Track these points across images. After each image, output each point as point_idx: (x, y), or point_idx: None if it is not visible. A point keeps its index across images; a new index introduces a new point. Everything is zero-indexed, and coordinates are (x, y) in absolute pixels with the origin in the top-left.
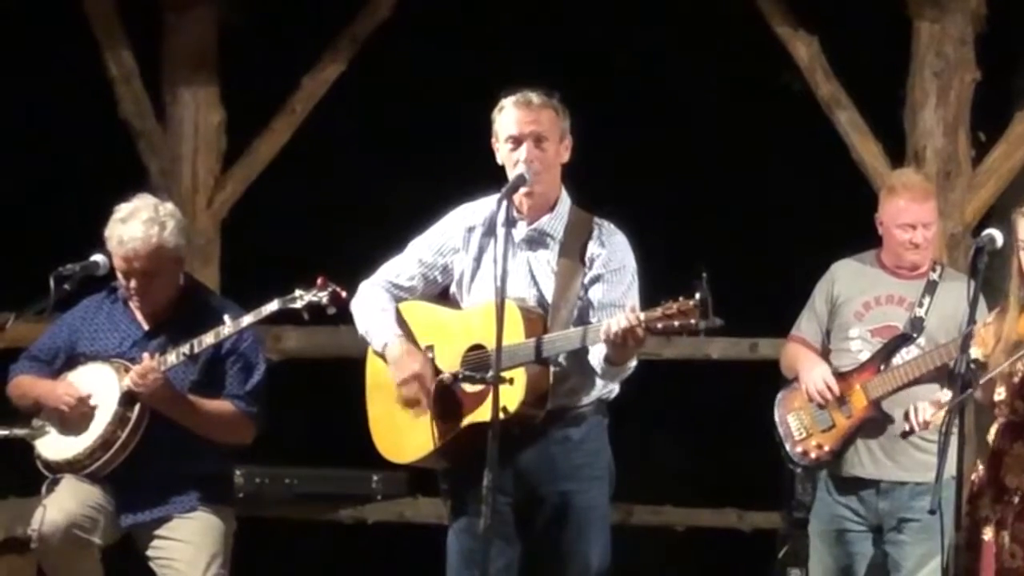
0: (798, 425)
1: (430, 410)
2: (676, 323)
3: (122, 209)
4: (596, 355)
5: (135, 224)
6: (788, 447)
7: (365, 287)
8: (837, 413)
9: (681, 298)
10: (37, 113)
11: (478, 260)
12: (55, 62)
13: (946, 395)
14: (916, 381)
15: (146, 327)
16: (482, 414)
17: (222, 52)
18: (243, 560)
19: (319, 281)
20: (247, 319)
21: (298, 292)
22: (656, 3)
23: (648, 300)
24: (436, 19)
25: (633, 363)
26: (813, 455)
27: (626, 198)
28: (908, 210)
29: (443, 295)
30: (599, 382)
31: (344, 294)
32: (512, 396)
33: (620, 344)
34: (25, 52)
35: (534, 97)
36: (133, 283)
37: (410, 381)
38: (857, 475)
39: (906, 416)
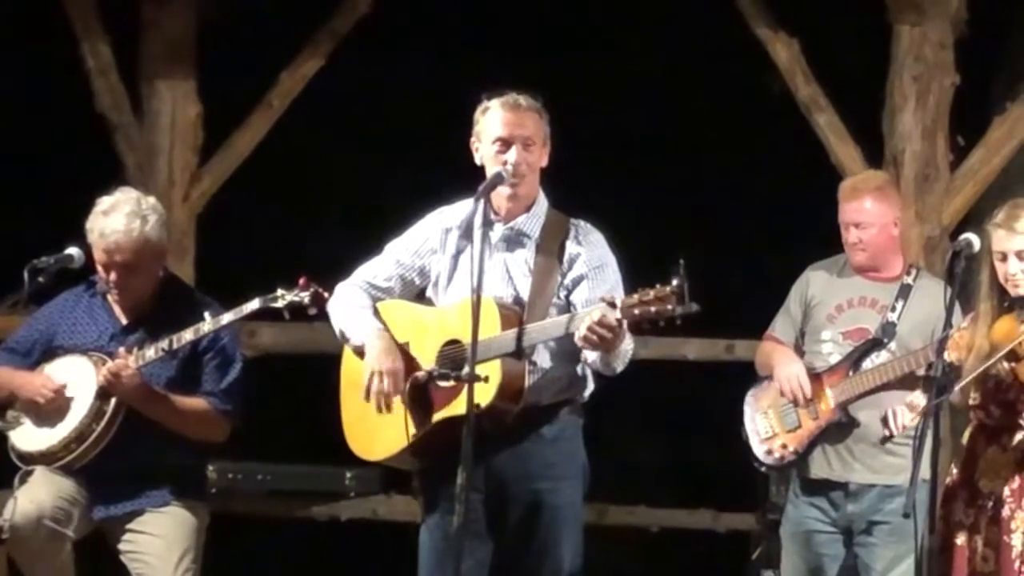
0: (765, 424)
1: (403, 407)
2: (653, 309)
3: (104, 202)
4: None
5: (117, 217)
6: (754, 445)
7: (342, 288)
8: (804, 414)
9: (658, 285)
10: (12, 106)
11: (455, 261)
12: (31, 55)
13: (921, 399)
14: (883, 387)
15: (124, 321)
16: (454, 408)
17: (200, 46)
18: (215, 556)
19: (301, 281)
20: (227, 317)
21: (280, 291)
22: (635, 2)
23: None
24: (415, 15)
25: (629, 347)
26: (777, 454)
27: (604, 198)
28: (841, 209)
29: (419, 297)
30: (587, 378)
31: (326, 295)
32: (486, 391)
33: (597, 343)
34: (1, 44)
35: (521, 100)
36: (113, 276)
37: (384, 376)
38: (825, 477)
39: (884, 422)
